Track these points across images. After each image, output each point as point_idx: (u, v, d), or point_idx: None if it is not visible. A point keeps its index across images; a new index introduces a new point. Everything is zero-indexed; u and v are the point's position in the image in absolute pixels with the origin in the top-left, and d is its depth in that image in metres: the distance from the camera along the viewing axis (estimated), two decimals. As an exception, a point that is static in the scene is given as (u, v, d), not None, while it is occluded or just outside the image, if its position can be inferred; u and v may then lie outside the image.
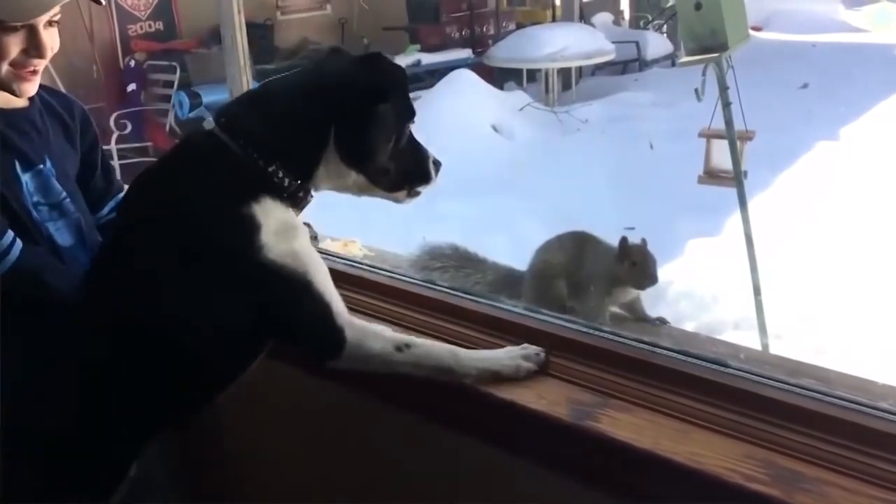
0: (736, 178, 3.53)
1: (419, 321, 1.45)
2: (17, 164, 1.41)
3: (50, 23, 1.39)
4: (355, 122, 1.11)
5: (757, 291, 3.56)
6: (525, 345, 1.30)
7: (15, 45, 1.35)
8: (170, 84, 7.49)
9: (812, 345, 3.96)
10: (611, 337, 1.30)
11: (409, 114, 1.20)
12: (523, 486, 1.27)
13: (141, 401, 1.19)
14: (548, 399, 1.21)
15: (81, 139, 1.57)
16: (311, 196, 1.19)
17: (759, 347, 3.59)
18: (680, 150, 5.71)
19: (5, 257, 1.32)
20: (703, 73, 3.36)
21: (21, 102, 1.45)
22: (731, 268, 4.64)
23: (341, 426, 1.56)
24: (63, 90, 1.61)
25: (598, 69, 9.94)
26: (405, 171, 1.22)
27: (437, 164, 1.27)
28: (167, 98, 7.48)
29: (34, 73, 1.41)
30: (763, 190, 5.74)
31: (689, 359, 1.23)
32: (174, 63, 7.51)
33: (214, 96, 7.27)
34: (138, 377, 1.17)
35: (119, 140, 7.07)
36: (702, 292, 4.59)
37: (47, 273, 1.37)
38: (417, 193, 1.27)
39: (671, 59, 9.99)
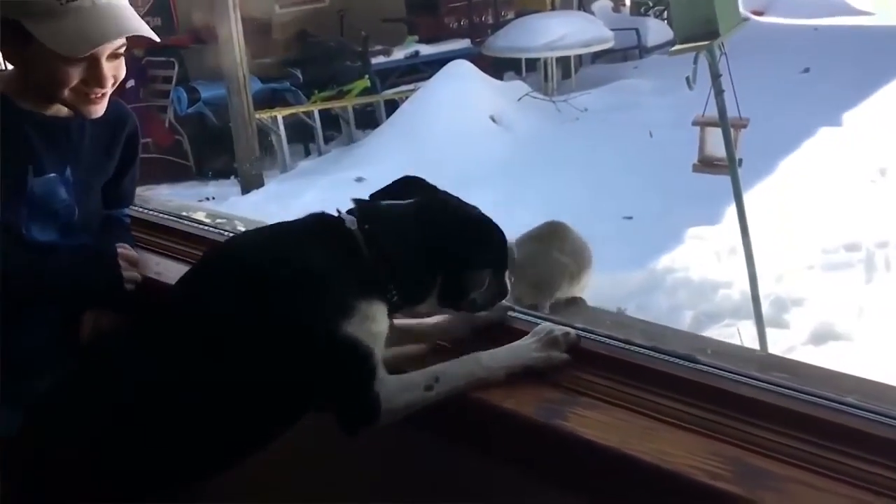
0: (730, 166, 3.51)
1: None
2: (30, 170, 1.45)
3: (114, 55, 1.42)
4: (458, 281, 1.27)
5: (753, 280, 3.55)
6: (548, 326, 1.27)
7: (76, 74, 1.39)
8: (168, 80, 7.50)
9: (810, 332, 3.95)
10: (581, 334, 1.29)
11: (503, 268, 1.32)
12: (491, 486, 1.27)
13: (176, 451, 1.20)
14: (516, 398, 1.20)
15: (121, 154, 1.63)
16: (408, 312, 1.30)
17: (755, 335, 3.60)
18: (680, 138, 5.67)
19: None
20: (695, 61, 3.34)
21: (53, 111, 1.48)
22: (729, 256, 4.64)
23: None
24: None
25: (597, 57, 9.91)
26: (488, 299, 1.32)
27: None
28: (166, 94, 7.51)
29: (100, 96, 1.45)
30: (763, 176, 5.72)
31: (660, 355, 1.22)
32: (172, 59, 7.51)
33: (212, 91, 7.29)
34: (182, 427, 1.19)
35: (118, 137, 7.09)
36: (700, 281, 4.58)
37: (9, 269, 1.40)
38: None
39: (672, 46, 9.94)
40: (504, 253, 1.31)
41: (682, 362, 1.20)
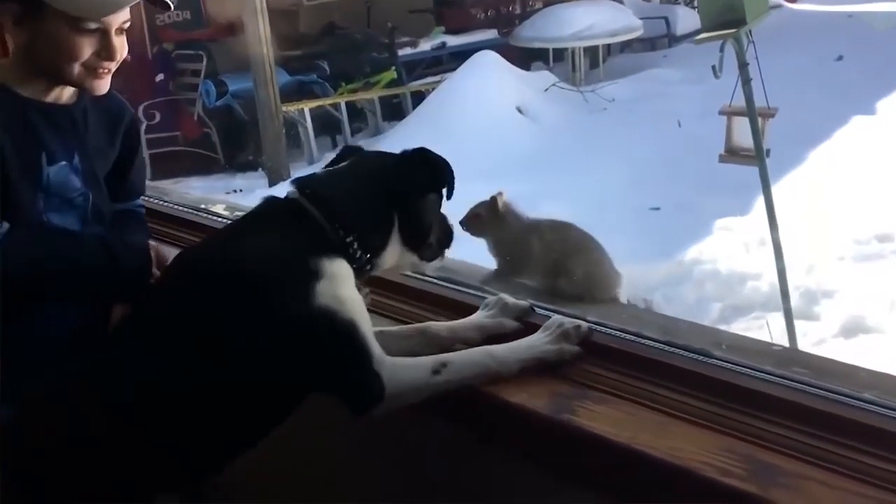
0: (757, 157, 3.45)
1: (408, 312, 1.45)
2: (43, 156, 1.45)
3: (120, 29, 1.43)
4: (414, 211, 1.29)
5: (782, 271, 3.49)
6: (559, 319, 1.27)
7: (88, 46, 1.39)
8: (197, 73, 7.56)
9: (840, 325, 3.88)
10: (594, 326, 1.28)
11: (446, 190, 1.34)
12: (500, 480, 1.26)
13: (176, 445, 1.19)
14: (527, 391, 1.19)
15: (122, 144, 1.63)
16: (375, 271, 1.30)
17: (784, 327, 3.54)
18: (709, 128, 5.58)
19: None
20: (721, 50, 3.28)
21: (55, 98, 1.49)
22: (758, 247, 4.58)
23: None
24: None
25: (626, 46, 9.80)
26: (441, 241, 1.36)
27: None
28: (195, 87, 7.56)
29: (107, 72, 1.45)
30: (793, 167, 5.62)
31: (672, 349, 1.20)
32: (201, 52, 7.57)
33: (240, 84, 7.33)
34: (176, 423, 1.18)
35: (148, 130, 7.17)
36: (728, 272, 4.52)
37: (33, 260, 1.40)
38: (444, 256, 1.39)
39: (700, 35, 9.80)
40: (441, 172, 1.29)
41: (695, 357, 1.18)
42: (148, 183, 1.98)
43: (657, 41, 10.01)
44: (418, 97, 8.20)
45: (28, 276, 1.39)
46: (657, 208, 5.56)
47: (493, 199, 1.68)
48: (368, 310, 1.23)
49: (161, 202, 1.98)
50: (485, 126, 7.01)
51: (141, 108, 7.22)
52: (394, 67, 8.36)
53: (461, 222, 1.65)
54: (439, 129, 7.02)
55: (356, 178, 1.29)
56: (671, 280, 4.52)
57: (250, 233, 1.27)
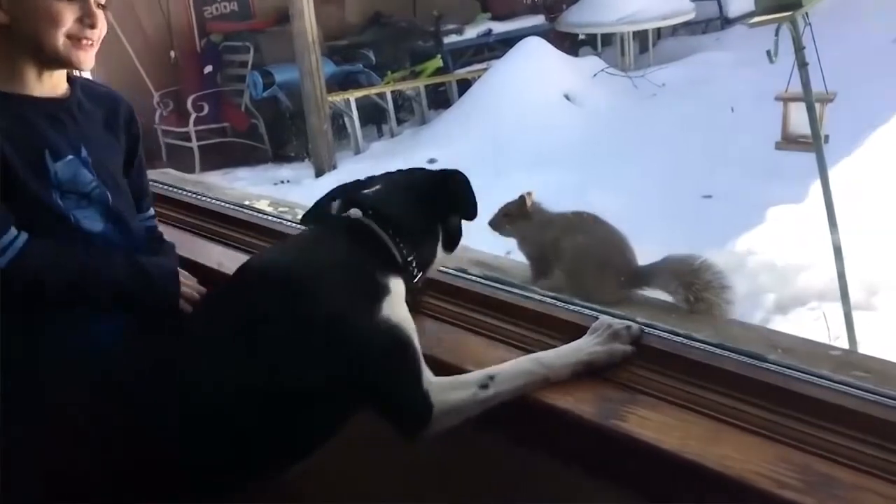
0: (814, 143, 3.34)
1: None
2: (47, 153, 1.45)
3: (99, 4, 1.46)
4: (453, 229, 1.40)
5: (840, 261, 3.37)
6: (607, 320, 1.25)
7: (70, 13, 1.42)
8: (244, 64, 7.61)
9: (900, 316, 3.75)
10: (643, 328, 1.24)
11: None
12: (546, 485, 1.23)
13: (231, 453, 1.19)
14: (574, 396, 1.16)
15: (126, 134, 1.63)
16: (420, 284, 1.35)
17: (842, 319, 3.43)
18: (763, 113, 5.44)
19: (4, 253, 1.35)
20: (776, 33, 3.18)
21: (50, 92, 1.50)
22: (814, 236, 4.44)
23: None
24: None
25: (677, 30, 9.58)
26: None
27: None
28: (242, 78, 7.62)
29: (91, 44, 1.47)
30: (851, 153, 5.44)
31: (724, 352, 1.16)
32: (248, 43, 7.62)
33: (286, 75, 7.36)
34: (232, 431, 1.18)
35: (197, 122, 7.26)
36: (784, 263, 4.40)
37: (46, 271, 1.40)
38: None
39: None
40: (471, 193, 1.37)
41: (749, 361, 1.14)
42: (194, 176, 1.99)
43: (709, 24, 9.77)
44: (464, 85, 8.14)
45: (49, 284, 1.40)
46: (709, 196, 5.44)
47: (522, 199, 1.71)
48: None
49: (204, 198, 1.98)
50: (531, 114, 6.93)
51: (189, 101, 7.31)
52: (439, 55, 8.31)
53: (490, 222, 1.70)
54: (485, 117, 6.98)
55: (408, 197, 1.35)
56: (727, 271, 4.42)
57: (318, 247, 1.31)
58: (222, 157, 7.44)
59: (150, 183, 2.05)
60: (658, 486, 1.07)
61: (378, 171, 1.45)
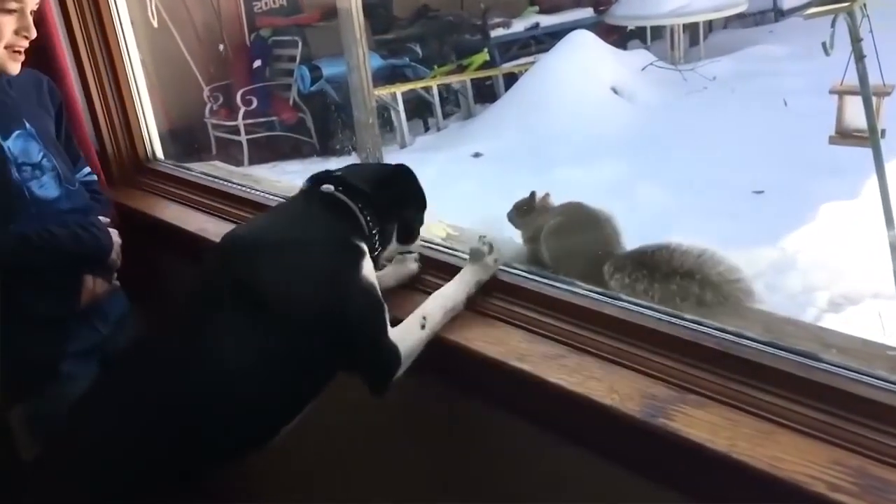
0: (871, 138, 3.25)
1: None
2: None
3: (32, 11, 1.61)
4: (408, 222, 1.51)
5: (896, 258, 3.28)
6: (474, 245, 1.45)
7: (9, 26, 1.56)
8: (292, 59, 7.67)
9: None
10: (691, 326, 1.21)
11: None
12: (592, 483, 1.22)
13: (229, 418, 1.24)
14: (620, 393, 1.14)
15: (52, 105, 1.81)
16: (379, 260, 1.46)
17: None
18: (817, 107, 5.30)
19: None
20: (833, 25, 3.09)
21: None
22: (869, 233, 4.32)
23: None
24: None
25: (729, 22, 9.39)
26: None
27: None
28: (290, 72, 7.67)
29: (21, 52, 1.62)
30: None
31: (776, 350, 1.13)
32: (296, 38, 7.68)
33: (334, 69, 7.41)
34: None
35: (245, 116, 7.34)
36: (837, 260, 4.30)
37: None
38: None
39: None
40: (422, 197, 1.50)
41: (802, 360, 1.10)
42: (242, 169, 2.03)
43: (762, 16, 9.56)
44: (511, 79, 8.10)
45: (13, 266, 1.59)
46: (761, 192, 5.33)
47: (532, 195, 1.84)
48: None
49: (252, 191, 2.00)
50: (579, 108, 6.87)
51: (238, 95, 7.40)
52: (486, 49, 8.28)
53: (508, 215, 1.85)
54: (532, 111, 6.93)
55: (368, 180, 1.43)
56: (775, 267, 4.33)
57: (299, 215, 1.40)
58: (270, 150, 7.53)
59: (201, 176, 2.09)
60: (705, 487, 1.05)
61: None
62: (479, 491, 1.48)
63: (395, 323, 1.32)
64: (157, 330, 1.40)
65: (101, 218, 1.81)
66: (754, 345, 1.15)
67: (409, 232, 1.50)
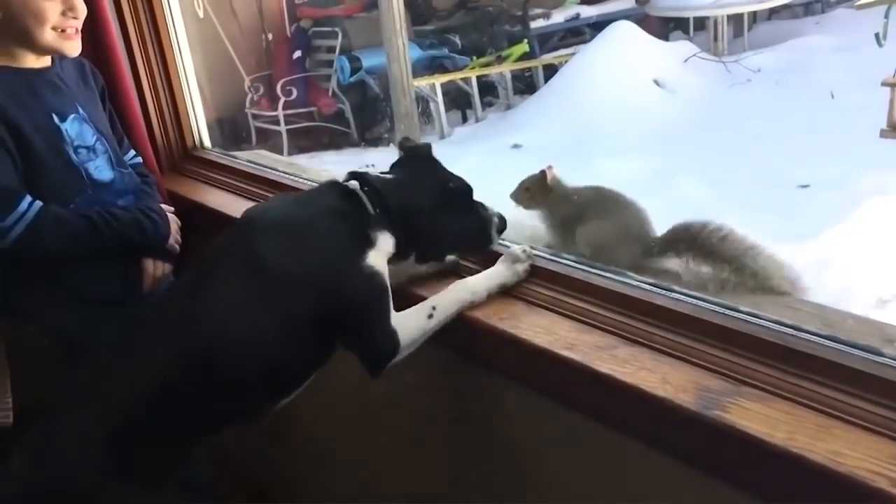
0: (924, 132, 3.17)
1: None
2: (53, 116, 1.65)
3: None
4: (435, 250, 1.50)
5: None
6: (510, 250, 1.47)
7: (54, 8, 1.59)
8: (332, 49, 7.70)
9: None
10: (748, 318, 1.19)
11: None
12: (646, 474, 1.21)
13: (243, 383, 1.33)
14: (673, 384, 1.13)
15: (98, 90, 1.85)
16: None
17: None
18: (865, 101, 5.20)
19: (20, 220, 1.56)
20: (886, 15, 3.02)
21: (43, 64, 1.69)
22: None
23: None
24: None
25: (774, 13, 9.22)
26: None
27: None
28: (330, 63, 7.71)
29: (76, 32, 1.65)
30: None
31: (837, 345, 1.10)
32: (336, 29, 7.70)
33: (373, 60, 7.42)
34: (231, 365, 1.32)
35: (285, 106, 7.39)
36: (884, 255, 4.21)
37: (49, 237, 1.60)
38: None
39: (858, -1, 9.08)
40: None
41: (864, 354, 1.08)
42: (286, 159, 2.06)
43: (809, 6, 9.37)
44: (550, 70, 8.04)
45: (66, 249, 1.63)
46: (806, 186, 5.24)
47: (543, 173, 1.75)
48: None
49: (298, 179, 2.01)
50: (620, 100, 6.79)
51: (279, 85, 7.45)
52: (526, 40, 8.22)
53: (511, 195, 1.76)
54: (571, 103, 6.87)
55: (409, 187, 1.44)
56: (820, 263, 4.25)
57: (317, 202, 1.42)
58: (309, 140, 7.57)
59: (247, 164, 2.12)
60: (761, 481, 1.03)
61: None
62: (525, 481, 1.48)
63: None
64: (175, 290, 1.51)
65: (163, 206, 1.86)
66: (813, 338, 1.13)
67: (433, 256, 1.51)
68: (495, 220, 1.49)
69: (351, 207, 1.38)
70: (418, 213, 1.41)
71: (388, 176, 1.47)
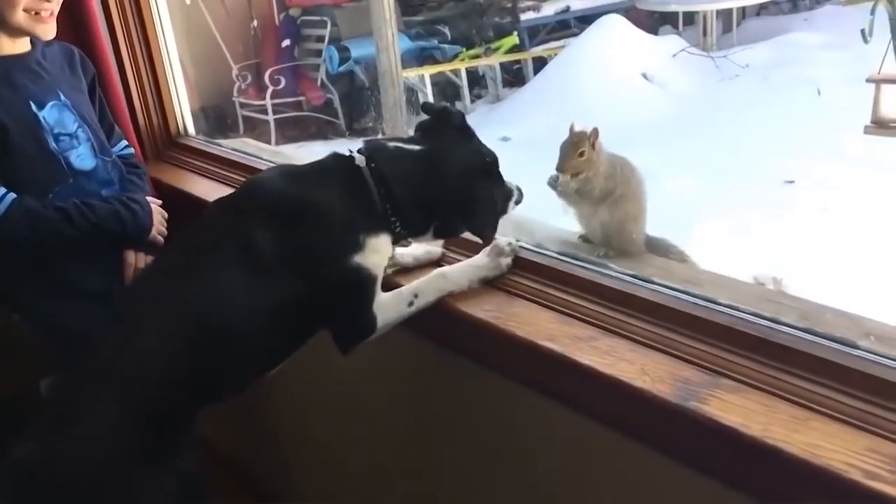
0: (909, 128, 3.19)
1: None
2: (31, 104, 1.62)
3: None
4: (451, 225, 1.44)
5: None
6: (496, 239, 1.43)
7: None
8: (321, 39, 7.67)
9: None
10: (727, 311, 1.20)
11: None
12: (624, 465, 1.21)
13: (233, 358, 1.33)
14: (651, 376, 1.13)
15: (85, 76, 1.80)
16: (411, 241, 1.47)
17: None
18: (852, 97, 5.22)
19: None
20: (872, 12, 3.04)
21: (21, 49, 1.65)
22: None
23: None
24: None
25: (763, 8, 9.24)
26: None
27: None
28: (319, 53, 7.67)
29: (51, 15, 1.61)
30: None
31: (814, 337, 1.11)
32: (325, 18, 7.67)
33: (362, 50, 7.40)
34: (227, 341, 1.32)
35: (273, 95, 7.35)
36: (869, 252, 4.23)
37: (22, 229, 1.58)
38: None
39: (848, -5, 9.11)
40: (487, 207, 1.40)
41: (839, 347, 1.09)
42: (272, 148, 2.04)
43: (798, 3, 9.40)
44: (540, 63, 8.04)
45: (42, 241, 1.61)
46: (791, 181, 5.26)
47: (595, 131, 1.61)
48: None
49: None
50: (608, 93, 6.80)
51: (267, 74, 7.41)
52: (515, 32, 8.22)
53: (549, 181, 1.60)
54: (561, 97, 6.87)
55: (418, 174, 1.37)
56: (805, 258, 4.28)
57: (315, 187, 1.37)
58: (297, 130, 7.54)
59: (231, 151, 2.10)
60: (738, 472, 1.04)
61: None
62: (505, 471, 1.48)
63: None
64: (169, 259, 1.47)
65: (148, 198, 1.82)
66: (791, 331, 1.13)
67: (449, 232, 1.46)
68: (516, 192, 1.45)
69: (356, 197, 1.34)
70: (441, 196, 1.36)
71: (414, 148, 1.40)
